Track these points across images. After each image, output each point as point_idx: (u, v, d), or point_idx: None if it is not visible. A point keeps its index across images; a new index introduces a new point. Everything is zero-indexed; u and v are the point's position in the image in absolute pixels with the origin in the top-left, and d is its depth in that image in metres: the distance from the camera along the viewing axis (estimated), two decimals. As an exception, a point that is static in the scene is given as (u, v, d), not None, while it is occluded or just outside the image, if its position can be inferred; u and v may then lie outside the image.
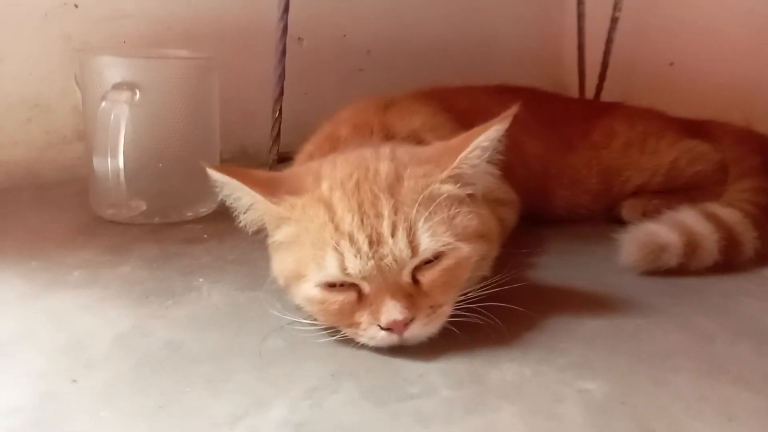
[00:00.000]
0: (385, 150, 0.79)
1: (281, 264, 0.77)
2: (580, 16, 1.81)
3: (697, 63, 1.69)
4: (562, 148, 1.20)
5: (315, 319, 0.76)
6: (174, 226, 1.11)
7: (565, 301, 0.87)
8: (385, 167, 0.74)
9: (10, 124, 1.30)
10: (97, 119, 1.02)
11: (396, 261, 0.69)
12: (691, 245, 0.95)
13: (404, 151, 0.79)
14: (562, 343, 0.75)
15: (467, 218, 0.74)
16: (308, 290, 0.73)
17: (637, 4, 1.78)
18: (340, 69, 1.60)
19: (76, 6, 1.28)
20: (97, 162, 1.03)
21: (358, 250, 0.69)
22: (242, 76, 1.44)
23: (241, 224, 0.78)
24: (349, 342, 0.73)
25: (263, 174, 0.80)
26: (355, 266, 0.69)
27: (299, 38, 1.50)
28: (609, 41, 1.78)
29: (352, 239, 0.70)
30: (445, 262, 0.71)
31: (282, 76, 1.21)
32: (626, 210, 1.19)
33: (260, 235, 0.80)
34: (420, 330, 0.70)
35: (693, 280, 0.94)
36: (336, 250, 0.70)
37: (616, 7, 1.76)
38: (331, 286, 0.71)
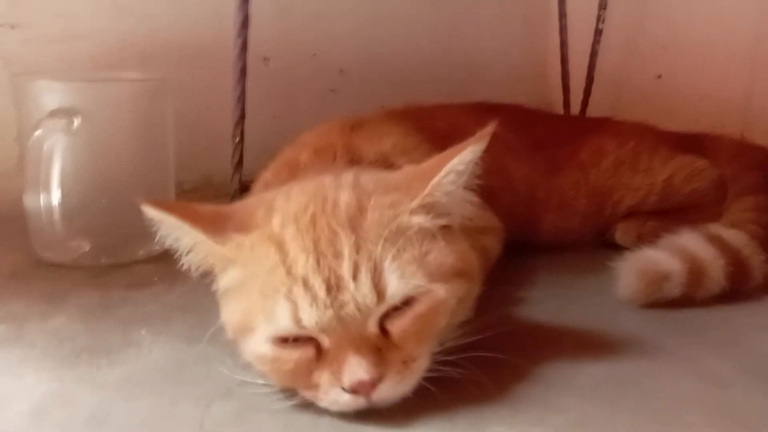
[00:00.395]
0: (347, 177, 0.69)
1: (228, 314, 0.67)
2: (563, 29, 1.73)
3: (686, 75, 1.62)
4: (549, 169, 1.11)
5: (268, 379, 0.65)
6: (122, 268, 1.00)
7: (558, 344, 0.77)
8: (345, 197, 0.64)
9: (-57, 157, 1.19)
10: (28, 150, 0.91)
11: (359, 309, 0.59)
12: (696, 273, 0.86)
13: (369, 178, 0.69)
14: (559, 398, 0.65)
15: (442, 254, 0.64)
16: (258, 346, 0.62)
17: (623, 16, 1.71)
18: (310, 90, 1.51)
19: (13, 27, 1.17)
20: (28, 198, 0.92)
21: (314, 298, 0.59)
22: (204, 100, 1.34)
23: (184, 267, 0.67)
24: (309, 406, 0.62)
25: (207, 209, 0.69)
26: (310, 317, 0.59)
27: (265, 58, 1.41)
28: (593, 54, 1.71)
29: (306, 284, 0.59)
30: (418, 308, 0.61)
31: (242, 98, 1.11)
32: (620, 233, 1.10)
33: (210, 279, 0.69)
34: (391, 390, 0.60)
35: (699, 312, 0.85)
36: (288, 298, 0.59)
37: (600, 19, 1.69)
38: (284, 340, 0.61)
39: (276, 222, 0.64)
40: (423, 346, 0.62)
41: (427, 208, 0.65)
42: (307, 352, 0.61)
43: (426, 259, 0.63)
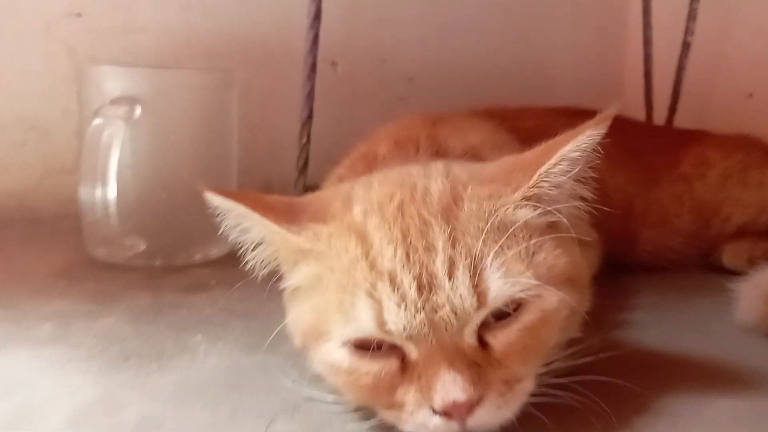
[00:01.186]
0: (437, 165, 0.60)
1: (298, 316, 0.57)
2: (647, 42, 1.61)
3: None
4: (647, 179, 0.99)
5: (342, 395, 0.56)
6: (178, 271, 0.92)
7: (678, 373, 0.65)
8: (438, 186, 0.55)
9: (1, 148, 1.15)
10: (86, 139, 0.85)
11: (455, 313, 0.49)
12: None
13: (461, 168, 0.60)
14: (689, 434, 0.53)
15: (552, 256, 0.54)
16: (331, 353, 0.53)
17: (711, 30, 1.59)
18: (378, 97, 1.43)
19: (79, 15, 1.13)
20: (84, 191, 0.86)
21: (403, 297, 0.50)
22: (270, 101, 1.28)
23: (249, 264, 0.59)
24: (390, 429, 0.52)
25: (278, 199, 0.61)
26: (398, 320, 0.49)
27: (333, 62, 1.34)
28: (680, 68, 1.58)
29: (393, 281, 0.50)
30: (526, 317, 0.52)
31: (311, 96, 1.03)
32: (728, 255, 0.97)
33: (275, 281, 0.61)
34: (491, 415, 0.50)
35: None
36: (370, 295, 0.50)
37: (688, 32, 1.56)
38: (364, 348, 0.51)
39: (357, 211, 0.55)
40: (529, 364, 0.53)
41: (534, 200, 0.55)
42: (391, 364, 0.51)
43: (534, 258, 0.53)
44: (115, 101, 0.87)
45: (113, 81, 0.89)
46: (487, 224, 0.52)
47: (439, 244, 0.51)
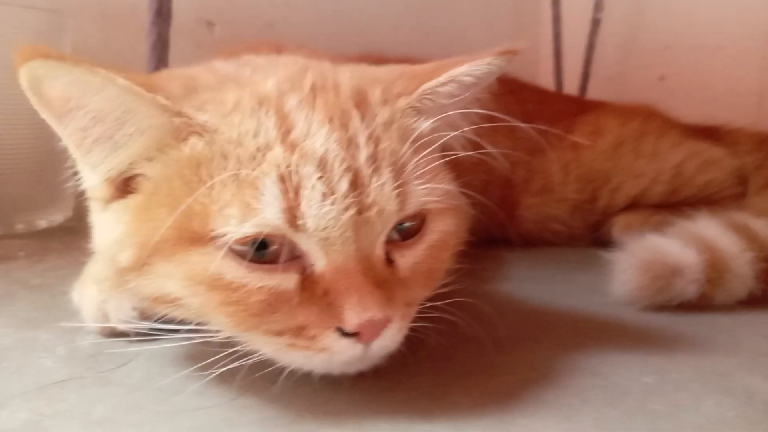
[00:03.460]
0: (324, 64, 0.53)
1: (139, 223, 0.45)
2: (556, 19, 1.55)
3: (691, 76, 1.44)
4: (533, 147, 0.91)
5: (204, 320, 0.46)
6: (-12, 241, 0.79)
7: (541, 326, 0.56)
8: (346, 80, 0.49)
9: None
10: None
11: (380, 216, 0.44)
12: (716, 267, 0.66)
13: (350, 68, 0.53)
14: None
15: (447, 179, 0.51)
16: (208, 262, 0.42)
17: (622, 10, 1.54)
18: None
19: None
20: None
21: (331, 189, 0.42)
22: (111, 56, 1.10)
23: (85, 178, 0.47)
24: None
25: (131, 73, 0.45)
26: (320, 214, 0.42)
27: (209, 22, 1.21)
28: (590, 47, 1.53)
29: (324, 169, 0.43)
30: (429, 237, 0.48)
31: (156, 47, 0.89)
32: (618, 228, 0.90)
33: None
34: (392, 338, 0.45)
35: (722, 317, 0.63)
36: (284, 181, 0.42)
37: (597, 8, 1.51)
38: (256, 261, 0.42)
39: (271, 85, 0.46)
40: (428, 288, 0.50)
41: (421, 114, 0.49)
42: (289, 279, 0.43)
43: (437, 177, 0.48)
44: None
45: None
46: (399, 128, 0.47)
47: (362, 140, 0.45)
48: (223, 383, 0.46)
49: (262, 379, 0.45)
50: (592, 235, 0.91)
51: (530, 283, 0.73)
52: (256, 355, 0.44)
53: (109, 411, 0.43)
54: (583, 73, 1.55)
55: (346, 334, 0.42)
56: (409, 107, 0.49)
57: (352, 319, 0.42)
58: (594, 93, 1.52)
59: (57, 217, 0.87)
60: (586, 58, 1.54)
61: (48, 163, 0.86)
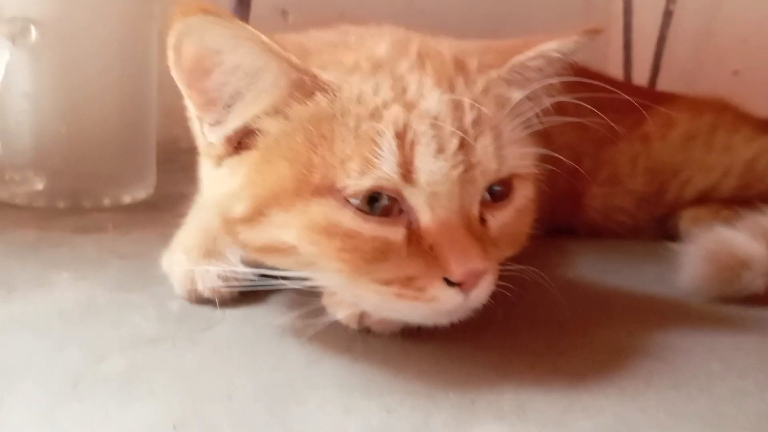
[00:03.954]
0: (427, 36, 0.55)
1: (259, 175, 0.48)
2: (627, 10, 1.52)
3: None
4: (601, 138, 0.90)
5: (314, 266, 0.48)
6: (78, 213, 0.84)
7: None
8: (446, 49, 0.52)
9: None
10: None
11: (483, 175, 0.47)
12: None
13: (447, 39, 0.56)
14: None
15: (530, 149, 0.53)
16: (326, 211, 0.46)
17: (697, 3, 1.50)
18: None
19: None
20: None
21: (442, 147, 0.46)
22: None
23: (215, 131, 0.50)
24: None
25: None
26: (433, 169, 0.45)
27: (283, 11, 1.25)
28: (661, 39, 1.50)
29: (437, 127, 0.46)
30: (517, 201, 0.52)
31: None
32: (686, 222, 0.88)
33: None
34: (485, 291, 0.48)
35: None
36: (401, 137, 0.45)
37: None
38: (366, 212, 0.46)
39: (382, 49, 0.50)
40: (512, 248, 0.53)
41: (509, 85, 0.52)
42: (397, 232, 0.46)
43: (527, 143, 0.52)
44: (7, 21, 0.79)
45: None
46: (495, 96, 0.50)
47: (467, 103, 0.47)
48: (303, 348, 0.49)
49: (339, 345, 0.48)
50: (658, 228, 0.90)
51: (596, 272, 0.73)
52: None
53: (197, 367, 0.47)
54: (653, 65, 1.52)
55: (451, 284, 0.45)
56: (501, 78, 0.52)
57: (459, 269, 0.45)
58: (664, 86, 1.49)
59: (141, 193, 0.92)
60: (657, 50, 1.51)
61: (133, 142, 0.92)
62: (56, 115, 0.83)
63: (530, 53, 0.52)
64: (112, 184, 0.89)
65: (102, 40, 0.85)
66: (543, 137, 0.81)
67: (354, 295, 0.49)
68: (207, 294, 0.56)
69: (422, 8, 1.40)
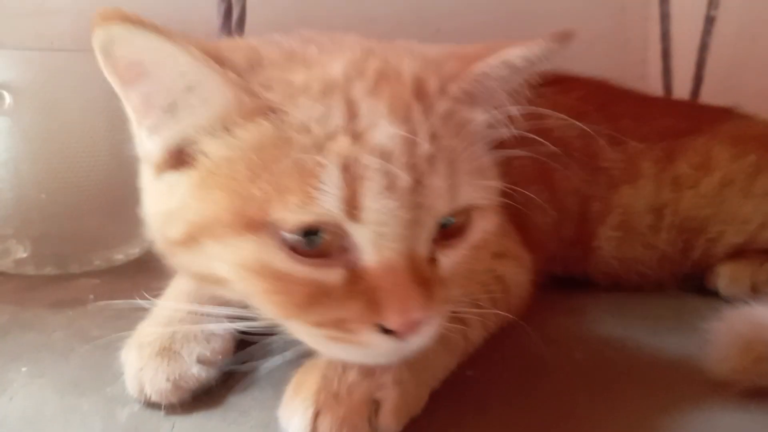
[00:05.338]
0: (383, 44, 0.52)
1: (194, 202, 0.45)
2: (664, 17, 1.41)
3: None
4: (616, 176, 0.81)
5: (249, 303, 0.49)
6: (63, 281, 0.81)
7: None
8: (408, 66, 0.48)
9: None
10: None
11: (431, 213, 0.44)
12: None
13: (412, 47, 0.52)
14: None
15: (491, 173, 0.50)
16: (257, 249, 0.43)
17: (740, 8, 1.38)
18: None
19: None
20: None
21: (392, 183, 0.42)
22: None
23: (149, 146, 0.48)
24: None
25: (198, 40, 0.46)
26: (380, 207, 0.42)
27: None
28: (703, 47, 1.38)
29: (387, 161, 0.42)
30: (471, 236, 0.48)
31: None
32: (725, 280, 0.79)
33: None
34: (427, 335, 0.46)
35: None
36: (347, 170, 0.42)
37: (712, 4, 1.36)
38: (303, 253, 0.43)
39: (337, 69, 0.45)
40: (461, 288, 0.50)
41: (470, 101, 0.48)
42: (336, 274, 0.44)
43: (487, 172, 0.49)
44: (-20, 87, 0.76)
45: (-15, 66, 0.78)
46: (454, 120, 0.46)
47: (422, 135, 0.44)
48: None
49: None
50: (687, 282, 0.81)
51: (609, 349, 0.65)
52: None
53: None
54: (695, 76, 1.40)
55: (385, 330, 0.43)
56: (461, 91, 0.48)
57: (396, 317, 0.42)
58: (707, 98, 1.37)
59: (134, 250, 0.88)
60: (699, 59, 1.38)
61: (125, 198, 0.88)
62: (35, 182, 0.81)
63: (491, 60, 0.48)
64: (101, 245, 0.86)
65: (83, 103, 0.82)
66: (544, 185, 0.74)
67: (292, 333, 0.47)
68: (155, 398, 0.51)
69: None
